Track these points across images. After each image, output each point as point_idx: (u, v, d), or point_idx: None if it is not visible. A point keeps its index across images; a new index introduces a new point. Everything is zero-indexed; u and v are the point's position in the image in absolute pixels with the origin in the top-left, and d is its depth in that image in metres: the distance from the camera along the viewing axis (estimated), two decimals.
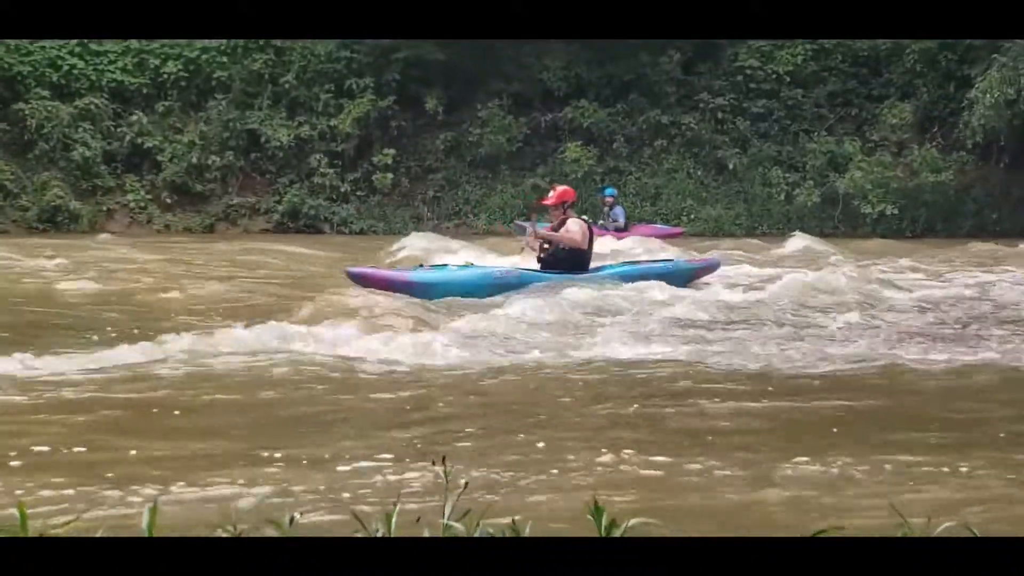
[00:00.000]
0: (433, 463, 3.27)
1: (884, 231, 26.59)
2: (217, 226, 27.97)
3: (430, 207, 28.43)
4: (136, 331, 9.91)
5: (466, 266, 12.91)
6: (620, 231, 23.38)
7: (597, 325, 10.42)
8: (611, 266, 13.53)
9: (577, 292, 11.63)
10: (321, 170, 28.03)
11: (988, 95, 25.55)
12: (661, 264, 13.83)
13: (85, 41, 28.16)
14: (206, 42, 28.61)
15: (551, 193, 13.43)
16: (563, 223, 12.74)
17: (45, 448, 5.95)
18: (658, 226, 25.61)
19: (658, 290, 12.28)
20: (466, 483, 3.25)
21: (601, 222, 23.64)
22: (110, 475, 5.44)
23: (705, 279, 14.08)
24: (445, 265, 13.22)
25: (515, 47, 28.84)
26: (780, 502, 5.26)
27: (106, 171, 27.70)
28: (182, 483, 5.29)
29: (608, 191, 24.66)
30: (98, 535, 2.83)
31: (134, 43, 28.46)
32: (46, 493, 5.14)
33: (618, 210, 24.12)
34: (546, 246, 12.73)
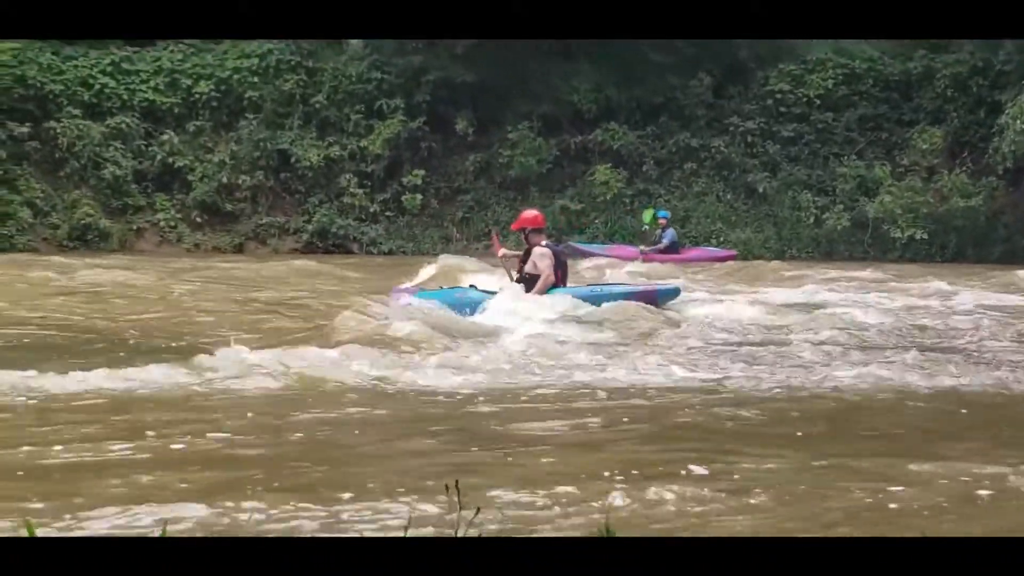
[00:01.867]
0: (447, 487, 3.24)
1: (914, 256, 26.50)
2: (246, 245, 28.05)
3: (459, 228, 28.47)
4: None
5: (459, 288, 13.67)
6: (669, 252, 23.60)
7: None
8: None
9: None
10: (351, 190, 28.11)
11: (1019, 121, 25.45)
12: (621, 287, 14.16)
13: (117, 60, 28.36)
14: (237, 62, 28.77)
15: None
16: (529, 253, 13.06)
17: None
18: (710, 249, 25.72)
19: None
20: (478, 509, 3.21)
21: (641, 247, 23.83)
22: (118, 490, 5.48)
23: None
24: (457, 288, 13.88)
25: (545, 68, 28.92)
26: None
27: (136, 190, 27.81)
28: (199, 504, 5.28)
29: (661, 213, 24.92)
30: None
31: (166, 62, 28.63)
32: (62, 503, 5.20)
33: (669, 232, 24.42)
34: (514, 273, 13.21)
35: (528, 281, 12.96)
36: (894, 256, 26.64)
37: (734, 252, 25.85)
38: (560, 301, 12.60)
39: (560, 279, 13.07)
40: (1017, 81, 26.37)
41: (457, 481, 3.27)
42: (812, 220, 27.93)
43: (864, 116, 28.79)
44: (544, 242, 13.15)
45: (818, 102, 28.76)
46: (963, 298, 16.10)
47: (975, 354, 10.78)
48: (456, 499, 3.12)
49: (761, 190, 28.19)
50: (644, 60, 28.16)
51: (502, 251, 13.73)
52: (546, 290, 12.84)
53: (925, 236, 26.73)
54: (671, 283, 15.20)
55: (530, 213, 13.64)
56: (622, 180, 28.03)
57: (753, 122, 28.57)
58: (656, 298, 13.71)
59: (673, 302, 13.81)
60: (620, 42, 27.53)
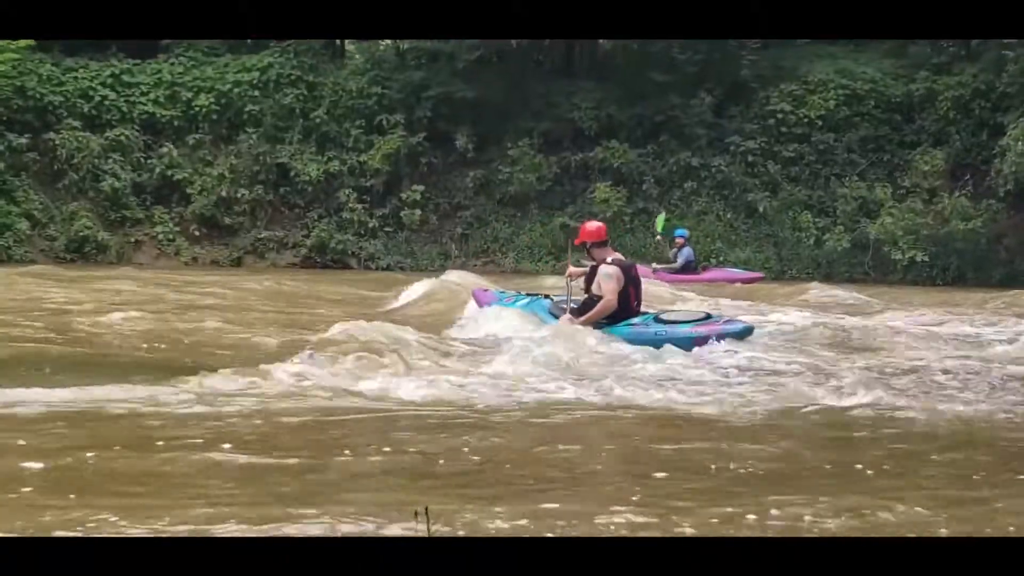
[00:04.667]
0: (416, 515, 3.15)
1: (914, 278, 26.40)
2: (245, 259, 28.02)
3: (458, 244, 28.40)
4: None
5: (536, 298, 13.20)
6: (689, 273, 22.85)
7: None
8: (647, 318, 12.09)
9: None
10: (350, 205, 28.06)
11: (1020, 143, 25.39)
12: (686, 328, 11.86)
13: (117, 72, 28.38)
14: (238, 76, 28.76)
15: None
16: (595, 271, 11.86)
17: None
18: (734, 271, 24.79)
19: None
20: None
21: (654, 265, 23.00)
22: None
23: None
24: (523, 296, 13.54)
25: (546, 86, 28.90)
26: None
27: (135, 202, 27.82)
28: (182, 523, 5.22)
29: (679, 232, 24.21)
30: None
31: (166, 75, 28.64)
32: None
33: (685, 251, 23.51)
34: (584, 294, 12.06)
35: (593, 303, 11.78)
36: (895, 279, 26.52)
37: (761, 274, 24.80)
38: (602, 344, 11.18)
39: (632, 300, 11.79)
40: (1020, 104, 26.32)
41: (427, 508, 3.17)
42: (812, 241, 27.84)
43: (865, 137, 28.69)
44: (610, 258, 11.84)
45: (819, 123, 28.66)
46: None
47: None
48: (427, 526, 3.02)
49: (761, 210, 28.11)
50: (645, 78, 28.12)
51: (570, 269, 12.48)
52: (605, 315, 11.65)
53: (926, 258, 26.61)
54: (741, 321, 12.73)
55: (592, 225, 12.23)
56: (622, 198, 27.95)
57: (754, 142, 28.49)
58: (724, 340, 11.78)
59: None
60: (622, 60, 27.57)
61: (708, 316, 12.10)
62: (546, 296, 13.08)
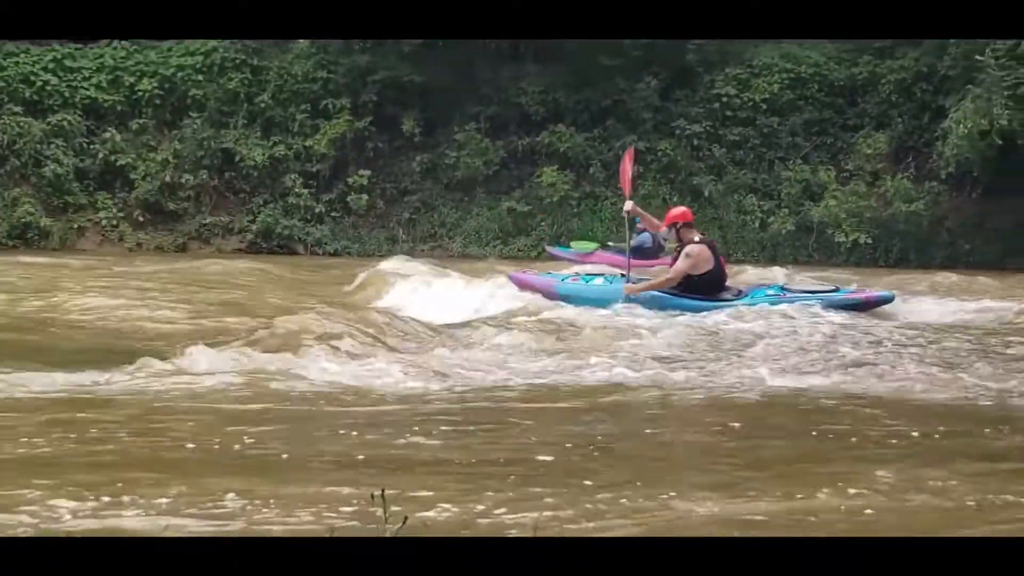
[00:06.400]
0: (372, 497, 3.16)
1: (858, 260, 26.64)
2: (189, 245, 27.82)
3: (405, 229, 28.32)
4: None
5: (612, 279, 13.66)
6: (648, 258, 22.50)
7: None
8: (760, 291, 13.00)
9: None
10: (296, 190, 27.90)
11: (961, 125, 25.58)
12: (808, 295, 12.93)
13: (59, 57, 28.02)
14: (182, 60, 28.50)
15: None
16: (681, 250, 12.84)
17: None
18: None
19: None
20: (405, 518, 3.13)
21: (611, 244, 23.08)
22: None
23: None
24: (594, 276, 14.09)
25: (493, 70, 28.84)
26: None
27: (78, 188, 27.50)
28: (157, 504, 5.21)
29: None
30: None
31: (109, 60, 28.32)
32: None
33: (644, 235, 23.28)
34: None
35: (696, 283, 12.65)
36: (838, 261, 26.74)
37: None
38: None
39: (723, 273, 12.81)
40: (961, 87, 26.53)
41: (384, 490, 3.17)
42: (757, 224, 28.01)
43: (809, 121, 28.89)
44: (697, 238, 12.94)
45: (764, 106, 28.81)
46: None
47: None
48: (383, 509, 3.02)
49: (707, 193, 28.23)
50: (593, 63, 28.13)
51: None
52: (664, 288, 12.70)
53: (869, 240, 26.86)
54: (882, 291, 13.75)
55: (678, 209, 13.51)
56: (569, 182, 27.99)
57: (699, 125, 28.59)
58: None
59: None
60: (569, 44, 27.51)
61: (837, 289, 13.18)
62: (622, 275, 13.63)
